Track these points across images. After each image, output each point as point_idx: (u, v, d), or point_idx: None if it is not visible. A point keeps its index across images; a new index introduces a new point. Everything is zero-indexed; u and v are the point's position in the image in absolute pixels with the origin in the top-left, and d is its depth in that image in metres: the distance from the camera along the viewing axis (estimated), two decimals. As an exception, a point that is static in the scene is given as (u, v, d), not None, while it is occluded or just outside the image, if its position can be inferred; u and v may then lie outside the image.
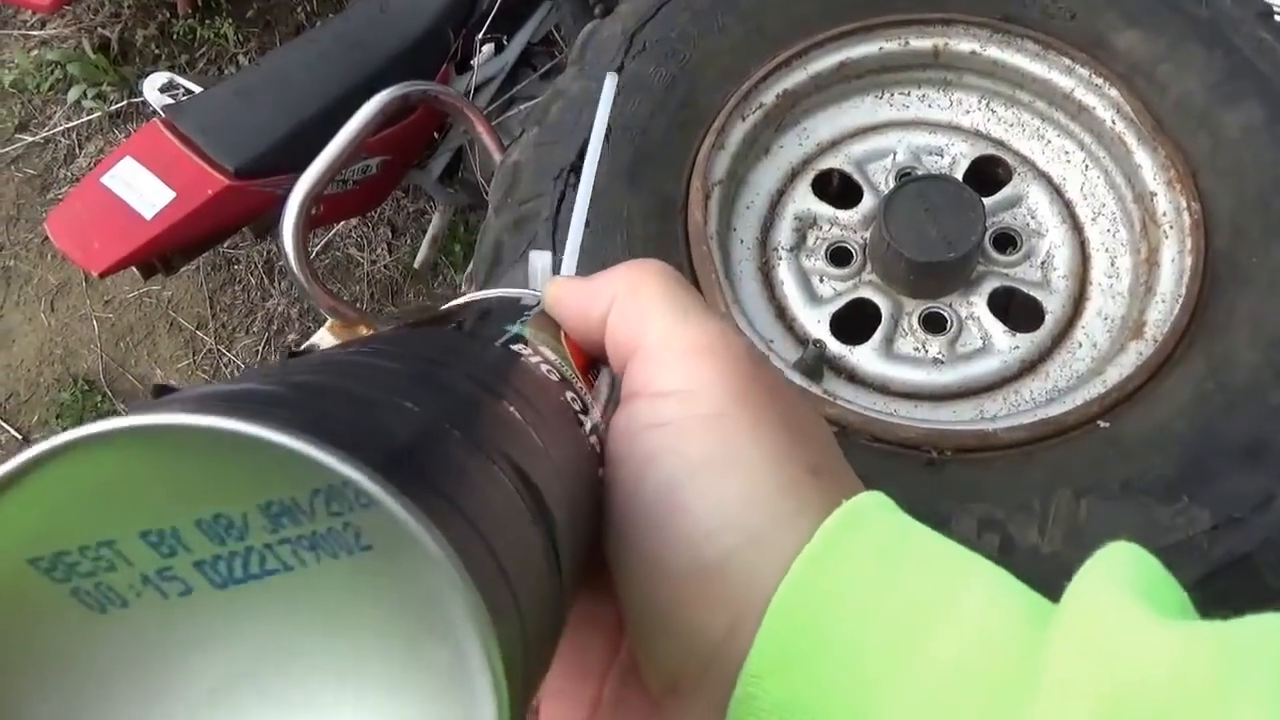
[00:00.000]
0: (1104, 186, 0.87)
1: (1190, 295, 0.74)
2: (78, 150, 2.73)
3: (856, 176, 0.90)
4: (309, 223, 1.51)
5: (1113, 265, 0.84)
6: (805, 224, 0.88)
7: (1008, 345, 0.81)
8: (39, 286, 2.52)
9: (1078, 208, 0.87)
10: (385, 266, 2.51)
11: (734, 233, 0.88)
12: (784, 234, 0.88)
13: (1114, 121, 0.84)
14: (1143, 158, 0.82)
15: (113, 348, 2.43)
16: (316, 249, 2.48)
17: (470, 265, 2.38)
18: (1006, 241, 0.86)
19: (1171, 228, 0.79)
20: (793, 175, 0.91)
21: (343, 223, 2.51)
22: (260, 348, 2.41)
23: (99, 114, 2.71)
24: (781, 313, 0.85)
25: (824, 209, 0.88)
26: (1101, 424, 0.71)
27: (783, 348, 0.82)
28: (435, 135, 2.10)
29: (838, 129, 0.92)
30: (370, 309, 2.43)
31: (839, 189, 0.92)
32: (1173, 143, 0.80)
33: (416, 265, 2.40)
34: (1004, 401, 0.80)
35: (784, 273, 0.86)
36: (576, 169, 0.83)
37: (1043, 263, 0.85)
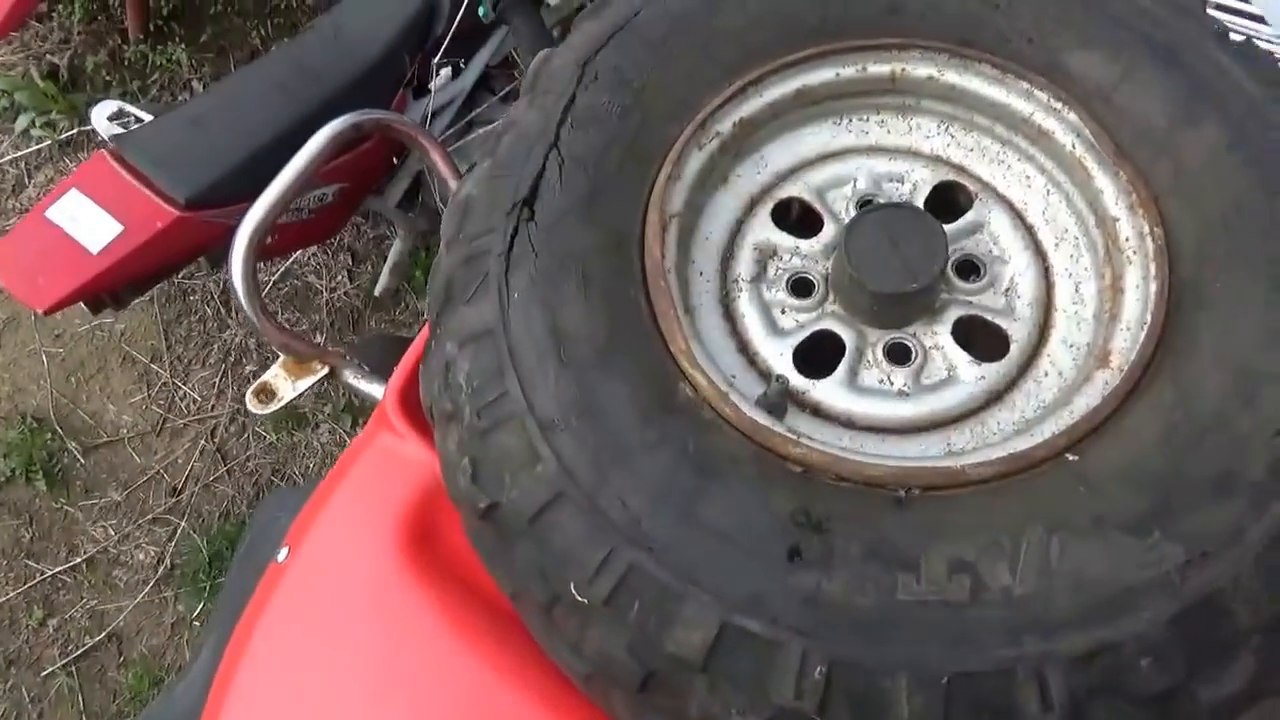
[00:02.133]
0: (1066, 211, 0.86)
1: (1155, 322, 0.73)
2: (27, 180, 2.66)
3: (816, 205, 0.88)
4: (262, 254, 1.48)
5: (1077, 291, 0.83)
6: (765, 254, 0.86)
7: (973, 375, 0.80)
8: (-15, 324, 2.45)
9: (1040, 233, 0.86)
10: (346, 294, 2.46)
11: (693, 264, 0.86)
12: (744, 265, 0.86)
13: (1074, 146, 0.83)
14: (1104, 182, 0.81)
15: (63, 383, 2.36)
16: (274, 278, 2.43)
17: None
18: (970, 269, 0.85)
19: (1135, 253, 0.78)
20: (751, 204, 0.89)
21: (301, 251, 2.47)
22: (217, 380, 2.35)
23: (48, 143, 2.64)
24: (744, 347, 0.83)
25: (784, 239, 0.87)
26: (1070, 457, 0.69)
27: (745, 383, 0.80)
28: (394, 160, 2.07)
29: (796, 156, 0.91)
30: (331, 338, 2.39)
31: (799, 218, 0.90)
32: (1134, 167, 0.80)
33: (377, 292, 2.36)
34: (971, 434, 0.78)
35: (745, 305, 0.84)
36: (530, 202, 0.80)
37: (1006, 290, 0.84)
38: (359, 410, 2.29)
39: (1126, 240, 0.79)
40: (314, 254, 2.48)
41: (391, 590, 0.99)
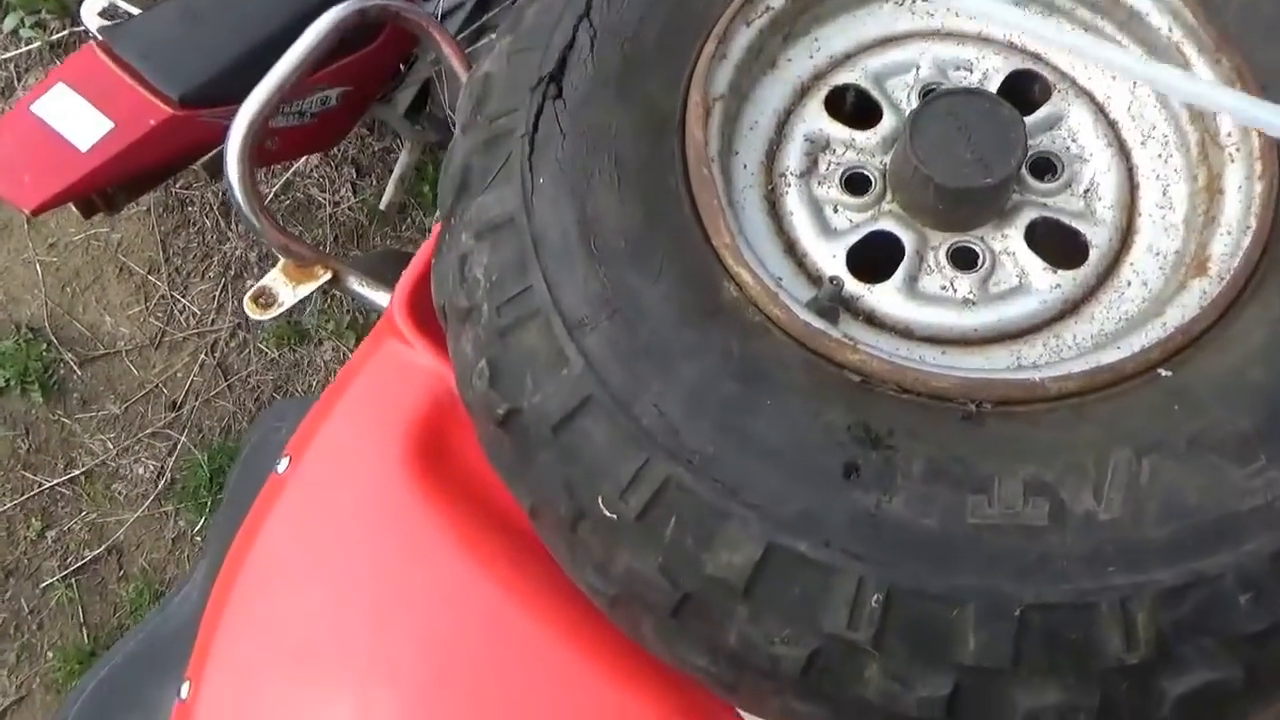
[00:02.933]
0: (1155, 105, 0.77)
1: (1262, 225, 0.65)
2: (16, 83, 2.54)
3: (875, 93, 0.79)
4: (263, 160, 1.39)
5: (1165, 194, 0.74)
6: (817, 147, 0.78)
7: (1047, 284, 0.72)
8: (-25, 229, 2.36)
9: (1124, 130, 0.77)
10: (349, 208, 2.37)
11: (736, 156, 0.77)
12: (793, 158, 0.77)
13: (1171, 30, 0.74)
14: (1204, 71, 0.72)
15: (58, 293, 2.28)
16: (275, 189, 2.33)
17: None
18: (1045, 167, 0.76)
19: (1238, 150, 0.70)
20: (803, 92, 0.80)
21: (303, 161, 2.36)
22: (216, 293, 2.27)
23: (38, 44, 2.52)
24: (791, 247, 0.75)
25: (839, 130, 0.78)
26: (1163, 372, 0.62)
27: (793, 286, 0.72)
28: (400, 67, 1.96)
29: (853, 40, 0.81)
30: (334, 254, 2.30)
31: (854, 108, 0.81)
32: (1241, 54, 0.70)
33: (382, 207, 2.27)
34: (1043, 347, 0.70)
35: (793, 202, 0.76)
36: (557, 78, 0.72)
37: (1085, 191, 0.75)
38: (363, 329, 2.22)
39: (1229, 135, 0.71)
40: (317, 165, 2.38)
41: (397, 505, 0.93)
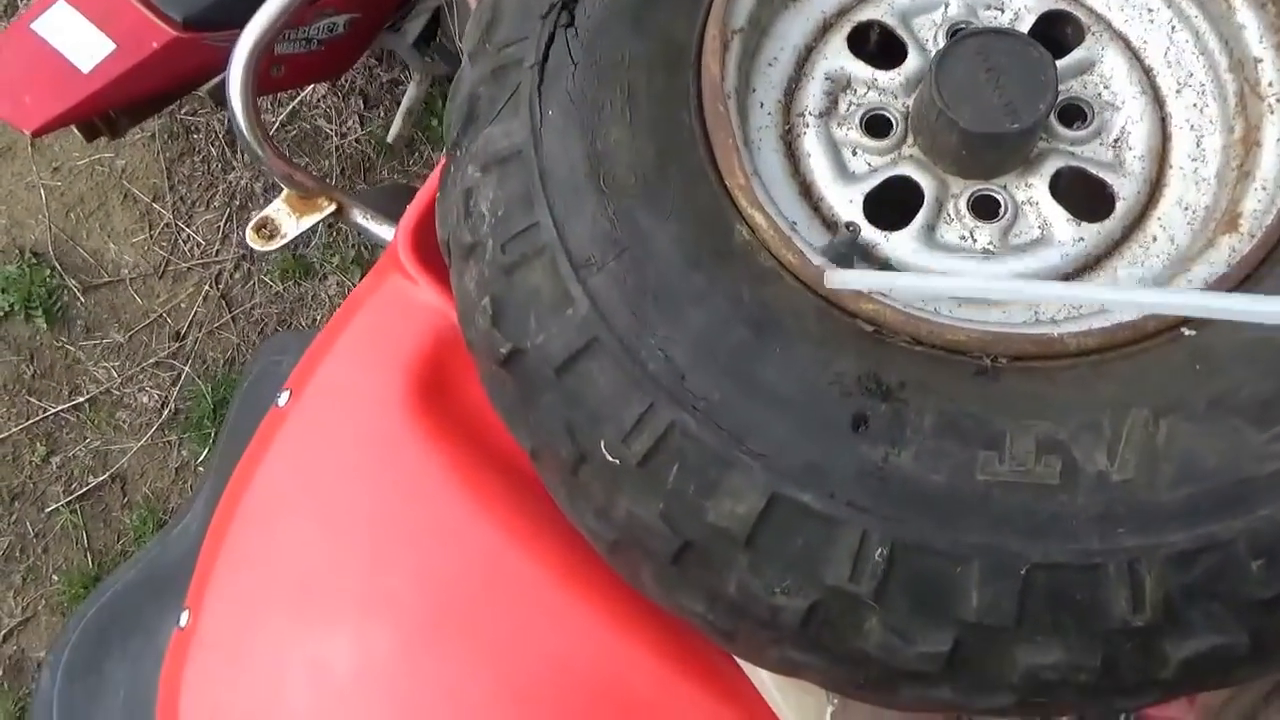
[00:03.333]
0: (1193, 52, 0.73)
1: (1299, 181, 0.63)
2: (19, 2, 2.49)
3: (900, 31, 0.76)
4: (268, 87, 1.35)
5: (1198, 146, 0.71)
6: (838, 86, 0.75)
7: (1071, 236, 0.69)
8: (-22, 151, 2.33)
9: (1159, 77, 0.74)
10: (356, 140, 2.32)
11: (753, 94, 0.74)
12: (812, 97, 0.75)
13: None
14: (1247, 16, 0.69)
15: (62, 219, 2.25)
16: (281, 118, 2.29)
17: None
18: (1074, 114, 0.73)
19: (1279, 101, 0.67)
20: (824, 28, 0.77)
21: (310, 90, 2.31)
22: (221, 224, 2.25)
23: (38, -42, 2.46)
24: (807, 190, 0.72)
25: (861, 69, 0.75)
26: (1186, 331, 0.60)
27: (808, 231, 0.70)
28: (410, -7, 1.91)
29: (880, -27, 0.78)
30: (340, 186, 2.27)
31: (878, 47, 0.78)
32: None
33: (390, 139, 2.22)
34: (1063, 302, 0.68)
35: (811, 143, 0.73)
36: (569, 5, 0.68)
37: (1115, 140, 0.72)
38: (368, 264, 2.20)
39: (1269, 85, 0.68)
40: (324, 96, 2.33)
41: (397, 442, 0.92)
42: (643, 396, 0.60)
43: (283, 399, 0.96)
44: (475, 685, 0.86)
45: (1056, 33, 0.77)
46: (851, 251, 0.68)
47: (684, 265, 0.62)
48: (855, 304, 0.61)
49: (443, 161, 0.99)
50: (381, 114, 2.32)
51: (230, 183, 2.29)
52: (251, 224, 1.13)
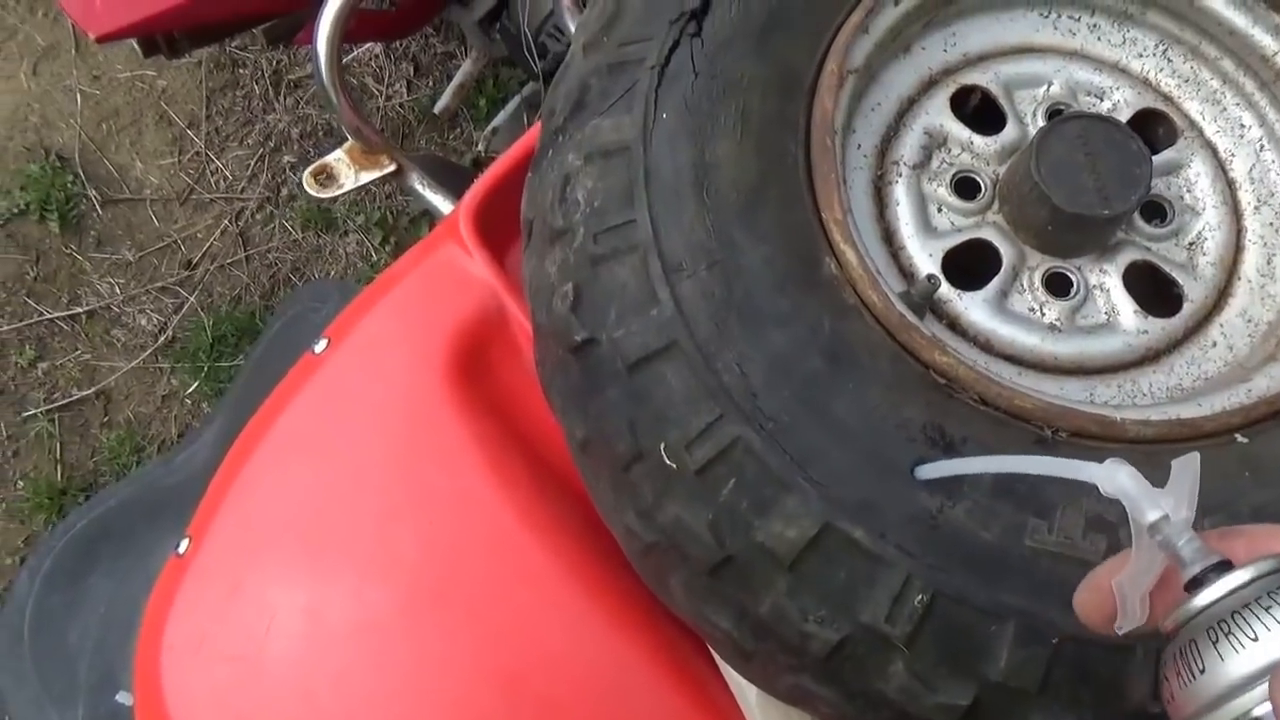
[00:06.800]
0: (1277, 173, 0.76)
1: (1369, 315, 0.65)
2: (89, -96, 2.46)
3: (1002, 100, 0.78)
4: (345, 30, 1.35)
5: (1269, 263, 0.74)
6: (934, 142, 0.77)
7: (1135, 326, 0.71)
8: (24, 45, 2.30)
9: (1241, 191, 0.76)
10: (401, 105, 2.32)
11: (853, 134, 0.76)
12: (908, 148, 0.76)
13: None
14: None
15: (94, 128, 2.23)
16: (332, 69, 2.29)
17: (490, 123, 2.21)
18: (1155, 211, 0.76)
19: (1356, 235, 0.69)
20: (930, 83, 0.79)
21: (364, 49, 2.32)
22: (252, 162, 2.24)
23: None
24: (889, 236, 0.74)
25: (959, 129, 0.77)
26: (1240, 438, 0.62)
27: (885, 276, 0.71)
28: (489, -31, 1.91)
29: (991, 42, 0.80)
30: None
31: (976, 111, 0.80)
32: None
33: (436, 110, 2.23)
34: (1118, 389, 0.70)
35: (900, 192, 0.75)
36: (700, 15, 0.70)
37: (1190, 243, 0.75)
38: (391, 228, 2.20)
39: (1349, 219, 0.70)
40: (376, 55, 2.33)
41: (427, 407, 0.92)
42: (713, 407, 0.61)
43: (319, 346, 0.96)
44: (465, 661, 0.87)
45: (1149, 131, 0.79)
46: (927, 303, 0.69)
47: (771, 287, 0.63)
48: (930, 354, 0.63)
49: (523, 143, 1.00)
50: (430, 84, 2.33)
51: (268, 124, 2.28)
52: (310, 169, 1.13)
